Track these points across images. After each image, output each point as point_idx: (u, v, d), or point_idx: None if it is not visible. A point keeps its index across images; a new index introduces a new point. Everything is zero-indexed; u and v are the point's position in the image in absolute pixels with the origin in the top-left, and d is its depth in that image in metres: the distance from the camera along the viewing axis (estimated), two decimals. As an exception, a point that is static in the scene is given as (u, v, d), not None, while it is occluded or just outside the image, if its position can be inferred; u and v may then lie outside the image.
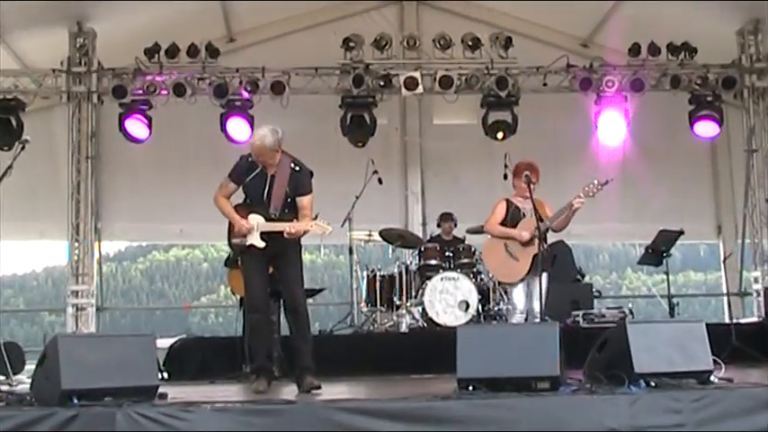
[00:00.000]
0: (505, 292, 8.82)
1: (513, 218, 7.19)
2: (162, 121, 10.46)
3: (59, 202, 10.47)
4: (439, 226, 10.38)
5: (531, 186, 7.00)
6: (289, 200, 6.22)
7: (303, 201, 6.23)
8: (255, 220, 6.20)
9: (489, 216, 7.29)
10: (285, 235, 6.06)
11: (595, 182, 6.94)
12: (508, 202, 7.27)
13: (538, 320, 6.88)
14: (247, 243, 6.21)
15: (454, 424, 4.60)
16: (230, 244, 6.38)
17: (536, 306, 6.96)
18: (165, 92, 10.17)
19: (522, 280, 7.07)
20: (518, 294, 7.12)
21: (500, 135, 10.43)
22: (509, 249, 7.12)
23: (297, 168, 6.25)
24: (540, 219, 6.92)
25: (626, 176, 10.85)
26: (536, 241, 6.90)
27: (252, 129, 9.98)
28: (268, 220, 6.17)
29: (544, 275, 6.93)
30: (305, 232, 6.16)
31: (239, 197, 6.41)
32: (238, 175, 6.29)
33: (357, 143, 10.52)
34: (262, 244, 6.19)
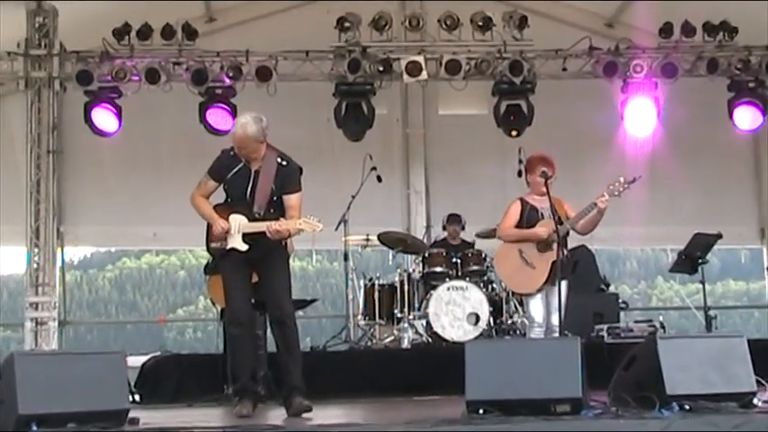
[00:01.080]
0: (521, 304, 8.83)
1: (529, 219, 7.17)
2: (133, 111, 10.44)
3: (17, 202, 10.44)
4: (444, 229, 10.38)
5: (549, 182, 6.98)
6: (275, 198, 6.23)
7: (291, 199, 6.24)
8: (236, 220, 6.21)
9: (502, 218, 7.28)
10: (269, 235, 6.06)
11: (621, 179, 6.94)
12: (523, 201, 7.24)
13: (557, 335, 6.87)
14: (227, 246, 6.21)
15: (463, 452, 4.60)
16: (209, 248, 6.39)
17: (554, 319, 6.95)
18: (136, 78, 10.15)
19: (539, 290, 7.07)
20: (536, 306, 7.11)
21: (514, 132, 10.42)
22: (524, 255, 7.10)
23: (284, 163, 6.26)
24: (558, 219, 6.91)
25: (656, 173, 10.85)
26: (554, 246, 6.90)
27: (234, 120, 9.96)
28: (251, 220, 6.18)
29: (564, 284, 6.92)
30: (290, 235, 6.17)
31: (220, 197, 6.42)
32: (219, 172, 6.30)
33: (353, 136, 10.52)
34: (244, 247, 6.19)
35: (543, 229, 7.03)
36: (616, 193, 6.92)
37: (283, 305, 6.19)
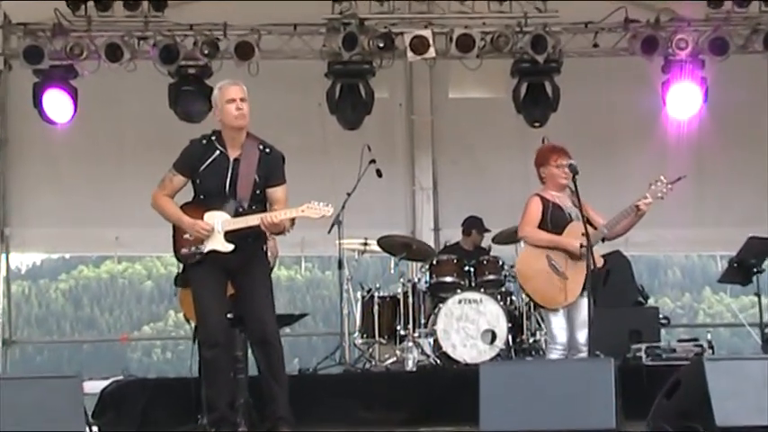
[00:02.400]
0: (542, 319, 8.82)
1: (555, 220, 7.12)
2: (91, 94, 10.43)
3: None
4: (467, 234, 10.41)
5: (576, 178, 6.94)
6: (257, 192, 6.25)
7: (277, 192, 6.28)
8: (216, 218, 6.21)
9: (523, 216, 7.23)
10: (264, 228, 6.07)
11: (662, 179, 6.94)
12: (543, 199, 7.21)
13: (585, 355, 6.87)
14: (206, 249, 6.20)
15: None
16: (178, 255, 6.38)
17: (580, 336, 6.94)
18: (94, 56, 10.15)
19: (571, 304, 7.04)
20: (559, 323, 7.08)
21: (536, 123, 10.42)
22: (554, 263, 7.08)
23: (267, 150, 6.29)
24: (588, 222, 6.91)
25: (703, 167, 10.86)
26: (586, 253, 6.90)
27: (210, 104, 9.94)
28: (235, 215, 6.17)
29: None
30: (284, 232, 6.16)
31: (185, 197, 6.41)
32: (189, 164, 6.30)
33: (349, 124, 10.52)
34: (228, 247, 6.19)
35: (572, 241, 6.98)
36: (659, 194, 6.94)
37: (267, 322, 6.20)
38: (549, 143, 7.32)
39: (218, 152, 6.25)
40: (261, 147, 6.28)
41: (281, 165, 6.33)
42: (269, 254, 8.92)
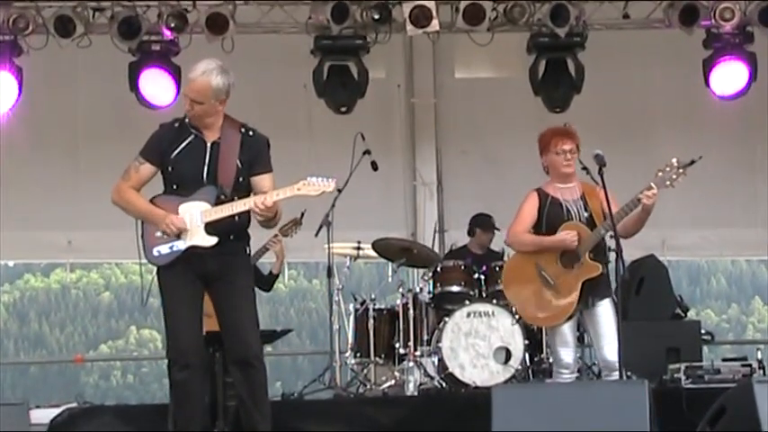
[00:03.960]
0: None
1: (550, 219, 7.15)
2: (39, 74, 10.44)
3: None
4: (472, 234, 10.41)
5: (602, 171, 6.94)
6: (240, 178, 6.27)
7: (264, 181, 6.29)
8: (194, 209, 6.21)
9: (514, 218, 7.28)
10: (256, 215, 6.11)
11: (674, 161, 6.94)
12: (541, 193, 7.25)
13: (615, 376, 6.87)
14: (184, 246, 6.21)
15: None
16: (149, 256, 6.35)
17: (609, 353, 6.94)
18: (42, 29, 10.15)
19: (568, 319, 7.07)
20: (563, 341, 7.11)
21: (557, 108, 10.41)
22: (544, 272, 7.11)
23: (250, 133, 6.32)
24: (588, 219, 6.95)
25: (752, 156, 10.84)
26: (585, 258, 6.94)
27: (178, 86, 9.98)
28: (216, 203, 6.19)
29: (607, 303, 6.97)
30: (276, 218, 6.21)
31: (152, 190, 6.42)
32: (159, 150, 6.31)
33: (339, 108, 10.53)
34: (212, 241, 6.20)
35: (569, 235, 7.00)
36: (667, 182, 6.91)
37: (250, 341, 6.23)
38: (550, 128, 7.30)
39: (192, 136, 6.27)
40: (242, 129, 6.32)
41: (266, 150, 6.37)
42: (276, 258, 8.97)
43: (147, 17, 10.19)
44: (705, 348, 10.20)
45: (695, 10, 10.27)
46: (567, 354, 7.09)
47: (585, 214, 7.07)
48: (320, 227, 9.56)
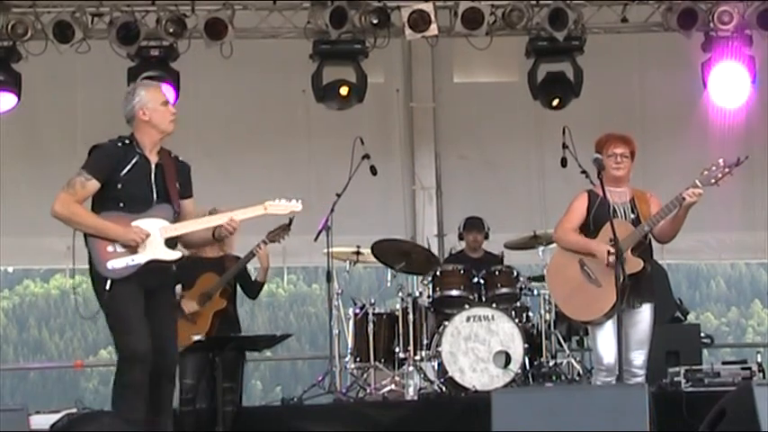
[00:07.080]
0: (566, 339, 8.83)
1: (597, 220, 7.15)
2: (37, 80, 10.46)
3: None
4: (461, 238, 10.40)
5: (601, 175, 6.95)
6: (179, 201, 6.52)
7: (189, 205, 6.59)
8: (149, 225, 6.34)
9: (563, 215, 7.30)
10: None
11: (720, 162, 6.94)
12: (592, 194, 7.26)
13: (640, 380, 6.90)
14: (143, 260, 6.29)
15: None
16: (100, 269, 6.38)
17: (637, 358, 6.99)
18: (41, 35, 10.15)
19: (607, 315, 7.03)
20: (605, 340, 7.07)
21: (555, 101, 10.42)
22: (587, 268, 7.10)
23: (180, 160, 6.59)
24: (635, 220, 6.94)
25: (752, 160, 10.73)
26: (628, 253, 6.88)
27: (177, 91, 9.98)
28: (174, 221, 6.40)
29: (648, 309, 7.02)
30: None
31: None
32: (108, 168, 6.40)
33: (337, 105, 10.52)
34: (175, 254, 6.38)
35: (601, 246, 6.98)
36: (712, 180, 6.91)
37: (172, 354, 6.43)
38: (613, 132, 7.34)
39: (137, 156, 6.41)
40: (172, 155, 6.55)
41: (190, 176, 6.63)
42: (260, 266, 9.04)
43: (146, 22, 10.19)
44: (705, 352, 10.20)
45: (694, 13, 10.27)
46: (609, 354, 7.03)
47: (632, 216, 7.09)
48: (319, 231, 9.55)
